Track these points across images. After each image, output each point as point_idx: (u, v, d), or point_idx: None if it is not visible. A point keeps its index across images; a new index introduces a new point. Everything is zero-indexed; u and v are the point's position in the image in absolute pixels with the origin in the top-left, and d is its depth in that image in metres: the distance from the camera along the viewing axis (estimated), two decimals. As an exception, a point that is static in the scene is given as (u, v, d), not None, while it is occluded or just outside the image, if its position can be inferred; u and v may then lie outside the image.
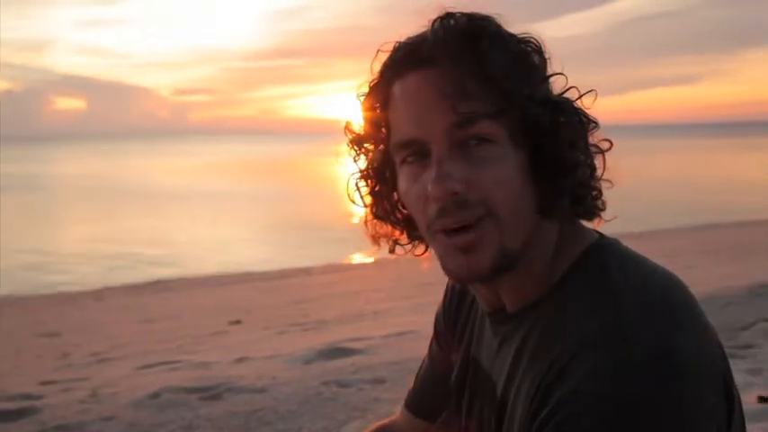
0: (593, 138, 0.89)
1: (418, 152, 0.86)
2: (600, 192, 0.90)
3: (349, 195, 0.99)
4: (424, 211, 0.86)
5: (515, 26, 0.89)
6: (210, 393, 4.54)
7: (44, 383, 5.40)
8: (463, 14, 0.87)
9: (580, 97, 0.88)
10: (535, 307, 0.87)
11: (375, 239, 1.00)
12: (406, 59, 0.87)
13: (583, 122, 0.87)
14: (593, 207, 0.89)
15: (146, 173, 50.16)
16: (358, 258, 15.42)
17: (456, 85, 0.82)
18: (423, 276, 10.45)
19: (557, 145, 0.84)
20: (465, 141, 0.83)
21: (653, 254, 0.92)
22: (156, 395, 4.52)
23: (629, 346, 0.76)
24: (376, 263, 14.17)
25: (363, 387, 4.56)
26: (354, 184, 0.99)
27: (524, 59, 0.86)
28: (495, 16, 0.88)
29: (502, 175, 0.83)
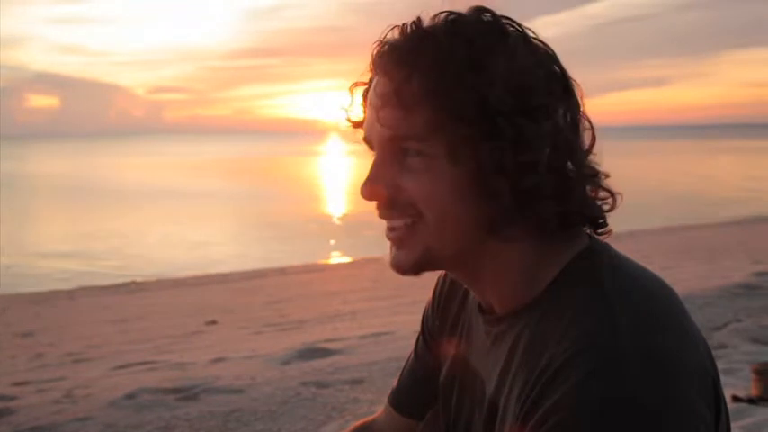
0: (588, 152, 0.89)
1: (372, 150, 0.92)
2: (565, 213, 0.86)
3: None
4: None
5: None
6: (187, 394, 4.51)
7: (18, 384, 5.32)
8: (437, 18, 0.87)
9: (563, 113, 0.86)
10: (526, 310, 0.88)
11: None
12: (372, 63, 0.91)
13: (532, 142, 0.83)
14: (558, 228, 0.86)
15: (120, 172, 49.67)
16: (334, 258, 15.40)
17: (391, 98, 0.84)
18: (400, 277, 10.43)
19: (485, 167, 0.83)
20: (403, 150, 0.86)
21: (629, 254, 0.93)
22: (132, 396, 4.48)
23: (621, 349, 0.77)
24: (353, 263, 14.17)
25: (342, 387, 4.56)
26: None
27: (470, 75, 0.82)
28: (483, 13, 0.87)
29: (428, 188, 0.85)
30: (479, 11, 0.88)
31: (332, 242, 17.56)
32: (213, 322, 8.10)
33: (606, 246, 0.91)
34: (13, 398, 4.80)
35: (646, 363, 0.76)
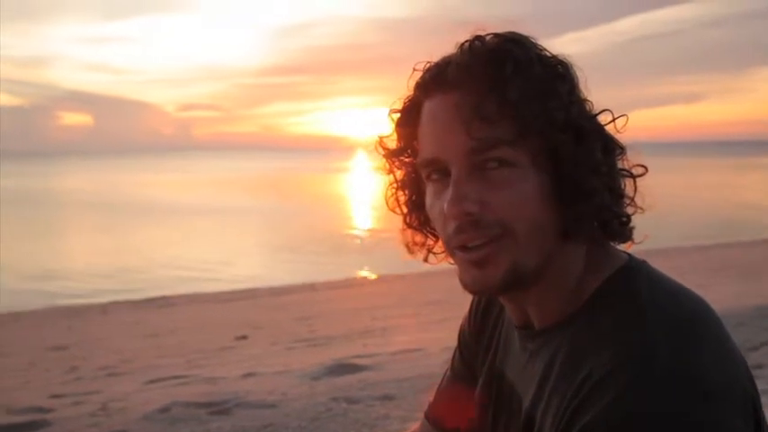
0: (627, 162, 0.92)
1: (441, 170, 0.89)
2: (628, 217, 0.91)
3: (387, 204, 1.03)
4: (444, 227, 0.90)
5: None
6: (220, 408, 4.55)
7: (54, 397, 5.41)
8: (494, 37, 0.89)
9: (610, 122, 0.91)
10: (564, 325, 0.89)
11: (410, 248, 1.03)
12: (433, 81, 0.90)
13: (608, 148, 0.89)
14: (620, 231, 0.91)
15: (151, 189, 50.27)
16: (364, 274, 15.43)
17: (475, 110, 0.84)
18: (429, 294, 10.44)
19: (576, 170, 0.86)
20: (483, 164, 0.86)
21: (663, 272, 0.94)
22: (166, 409, 4.54)
23: (659, 365, 0.77)
24: (382, 279, 14.18)
25: (372, 404, 4.57)
26: (393, 194, 1.02)
27: (548, 85, 0.86)
28: (526, 37, 0.90)
29: (518, 197, 0.85)
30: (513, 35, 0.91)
31: (361, 258, 17.60)
32: (244, 337, 8.16)
33: (644, 263, 0.92)
34: (49, 410, 4.88)
35: (684, 379, 0.76)
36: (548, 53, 0.90)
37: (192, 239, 21.75)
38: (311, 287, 13.07)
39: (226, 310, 11.01)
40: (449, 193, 0.86)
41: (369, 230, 24.03)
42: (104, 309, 11.54)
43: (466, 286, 0.91)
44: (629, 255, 0.94)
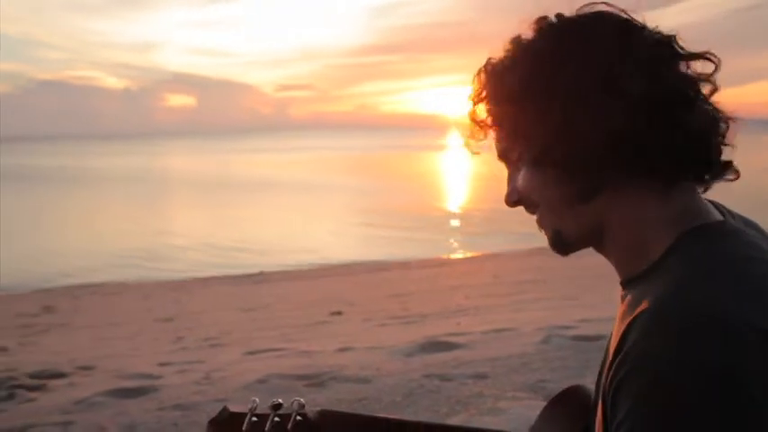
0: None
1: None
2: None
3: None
4: None
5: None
6: (316, 381, 4.68)
7: (162, 365, 5.70)
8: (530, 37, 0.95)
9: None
10: (635, 281, 0.92)
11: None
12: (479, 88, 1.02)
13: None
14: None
15: (251, 168, 51.67)
16: (456, 253, 15.41)
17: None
18: (523, 274, 10.34)
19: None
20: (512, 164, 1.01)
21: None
22: (264, 380, 4.71)
23: (678, 309, 0.79)
24: (474, 258, 14.13)
25: (465, 382, 4.59)
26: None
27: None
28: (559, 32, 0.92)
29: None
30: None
31: (455, 236, 17.59)
32: (338, 313, 8.33)
33: (720, 223, 0.91)
34: (158, 377, 5.16)
35: (700, 322, 0.77)
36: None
37: (291, 217, 22.28)
38: (406, 265, 13.17)
39: (321, 285, 11.26)
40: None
41: (463, 209, 23.95)
42: (206, 283, 12.02)
43: None
44: (723, 214, 0.92)
